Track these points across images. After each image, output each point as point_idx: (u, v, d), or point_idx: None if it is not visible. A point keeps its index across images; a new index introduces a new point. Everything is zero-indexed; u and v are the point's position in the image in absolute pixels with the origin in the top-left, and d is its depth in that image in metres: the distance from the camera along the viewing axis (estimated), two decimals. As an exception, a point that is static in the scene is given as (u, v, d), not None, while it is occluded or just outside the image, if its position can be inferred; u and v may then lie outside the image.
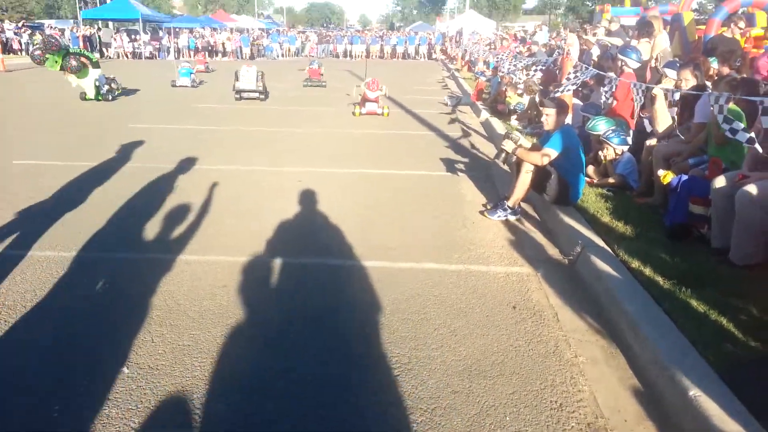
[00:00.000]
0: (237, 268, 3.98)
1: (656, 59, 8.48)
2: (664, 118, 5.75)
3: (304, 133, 9.32)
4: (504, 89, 11.21)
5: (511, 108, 10.42)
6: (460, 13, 47.69)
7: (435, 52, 37.19)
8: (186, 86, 16.43)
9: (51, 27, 36.82)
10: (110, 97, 13.14)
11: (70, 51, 12.77)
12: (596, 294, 3.63)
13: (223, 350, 2.98)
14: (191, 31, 38.33)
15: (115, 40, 34.02)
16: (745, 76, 6.49)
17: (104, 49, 33.39)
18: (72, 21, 46.58)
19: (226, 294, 3.61)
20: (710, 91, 5.12)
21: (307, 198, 5.66)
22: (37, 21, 50.82)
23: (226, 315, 3.34)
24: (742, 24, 8.95)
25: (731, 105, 4.10)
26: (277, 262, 4.09)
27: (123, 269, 3.94)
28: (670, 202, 4.50)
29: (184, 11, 73.72)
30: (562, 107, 5.09)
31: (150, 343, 3.02)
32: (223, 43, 36.06)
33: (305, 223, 5.02)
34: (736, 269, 3.75)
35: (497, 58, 14.12)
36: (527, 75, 9.92)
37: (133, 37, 34.44)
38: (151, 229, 4.73)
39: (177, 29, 37.61)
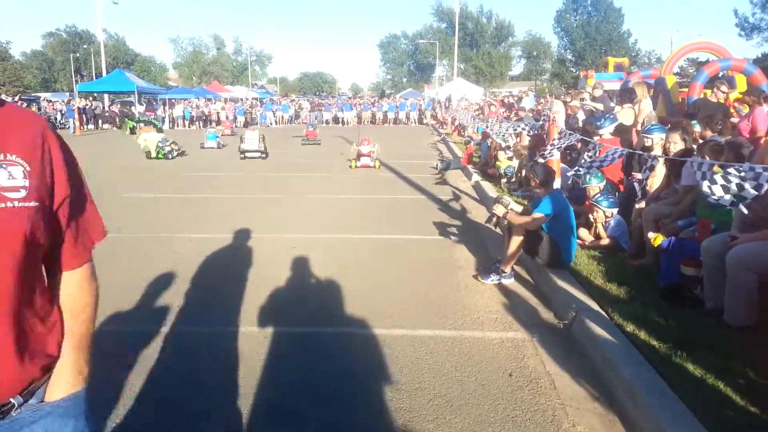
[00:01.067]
0: (231, 337, 3.93)
1: (642, 123, 8.73)
2: (658, 181, 5.86)
3: (299, 198, 9.41)
4: (494, 153, 11.44)
5: (501, 172, 10.59)
6: (448, 80, 49.26)
7: (425, 117, 38.09)
8: (213, 148, 18.98)
9: (46, 100, 37.63)
10: (170, 156, 15.73)
11: (141, 119, 15.48)
12: (593, 359, 3.59)
13: (221, 417, 2.90)
14: (186, 101, 39.27)
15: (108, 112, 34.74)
16: (729, 138, 6.69)
17: (99, 121, 34.03)
18: (68, 94, 47.69)
19: (221, 364, 3.54)
20: (695, 155, 5.28)
21: (301, 265, 5.66)
22: (33, 94, 51.99)
23: (222, 385, 3.27)
24: (725, 88, 9.27)
25: (716, 168, 4.20)
26: (270, 332, 4.04)
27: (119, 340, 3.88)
28: (661, 264, 4.53)
29: (179, 83, 75.78)
30: (548, 173, 5.19)
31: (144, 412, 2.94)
32: (218, 113, 36.87)
33: (299, 292, 5.00)
34: (731, 331, 3.73)
35: (486, 123, 14.47)
36: (516, 139, 10.15)
37: (128, 108, 35.17)
38: (144, 299, 4.69)
39: (172, 100, 38.58)
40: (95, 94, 37.10)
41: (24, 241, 1.14)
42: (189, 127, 35.20)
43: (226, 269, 5.59)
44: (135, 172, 13.09)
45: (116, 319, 4.28)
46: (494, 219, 5.32)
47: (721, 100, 9.21)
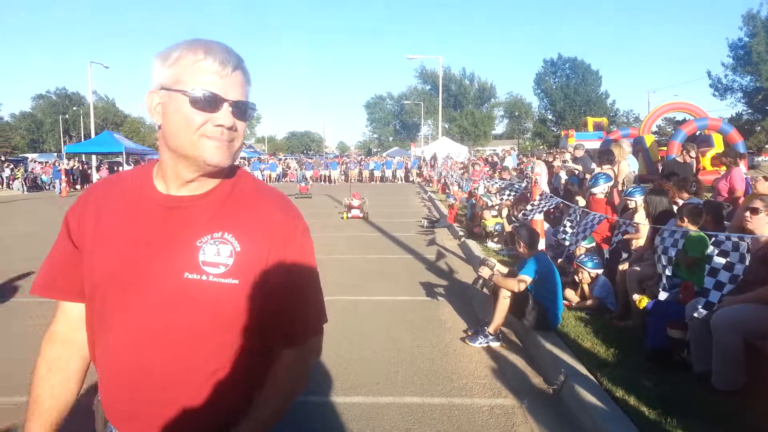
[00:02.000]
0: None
1: (622, 183, 8.92)
2: (642, 242, 5.94)
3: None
4: (479, 212, 11.57)
5: (488, 230, 10.68)
6: (433, 139, 50.21)
7: (412, 175, 38.59)
8: None
9: (34, 161, 37.74)
10: None
11: None
12: (583, 427, 3.54)
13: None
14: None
15: (99, 172, 34.87)
16: (707, 199, 6.85)
17: (85, 184, 34.07)
18: (56, 155, 47.84)
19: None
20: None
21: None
22: (21, 155, 52.13)
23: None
24: (693, 153, 9.57)
25: (695, 233, 4.28)
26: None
27: None
28: (648, 327, 4.53)
29: (168, 143, 76.36)
30: (532, 234, 5.25)
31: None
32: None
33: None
34: (719, 395, 3.71)
35: (469, 181, 14.70)
36: (501, 199, 10.29)
37: (115, 169, 35.32)
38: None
39: (160, 160, 38.78)
40: (83, 156, 37.25)
41: (212, 311, 1.23)
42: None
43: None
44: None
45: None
46: (480, 281, 5.33)
47: (691, 160, 9.49)
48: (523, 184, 8.70)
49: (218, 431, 1.27)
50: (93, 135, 38.93)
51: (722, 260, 3.62)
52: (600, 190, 7.03)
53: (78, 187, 33.17)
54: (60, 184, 28.16)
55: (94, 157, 36.97)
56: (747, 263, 3.52)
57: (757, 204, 3.91)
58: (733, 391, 3.73)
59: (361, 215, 14.98)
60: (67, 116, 74.91)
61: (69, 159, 35.17)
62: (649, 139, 24.60)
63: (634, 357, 4.39)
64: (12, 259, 9.14)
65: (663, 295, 4.25)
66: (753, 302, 3.79)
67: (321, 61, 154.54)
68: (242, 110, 1.23)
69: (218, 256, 1.23)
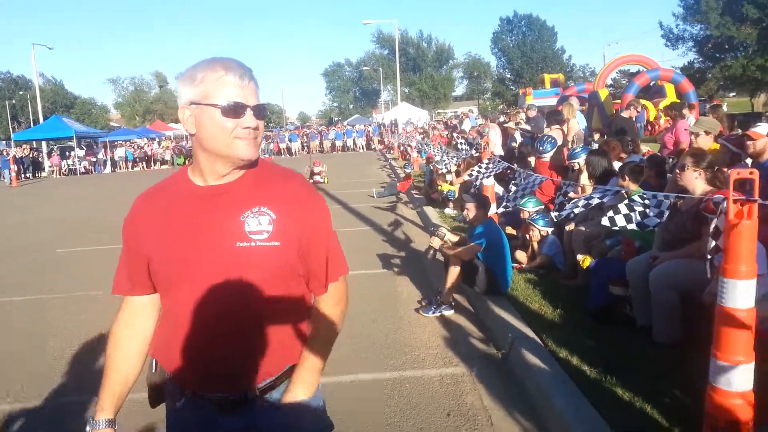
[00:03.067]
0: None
1: (572, 142, 9.02)
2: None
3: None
4: (436, 178, 11.60)
5: (444, 196, 10.74)
6: (394, 105, 49.90)
7: (373, 142, 38.43)
8: None
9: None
10: None
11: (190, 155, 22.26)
12: (528, 390, 3.63)
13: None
14: (129, 142, 38.48)
15: (50, 159, 33.73)
16: (650, 154, 6.98)
17: (37, 172, 33.00)
18: (3, 143, 46.11)
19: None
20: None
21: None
22: (-32, 144, 50.01)
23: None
24: (640, 108, 9.72)
25: (633, 188, 4.35)
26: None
27: None
28: (591, 285, 4.64)
29: (121, 123, 74.33)
30: (481, 201, 5.29)
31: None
32: (163, 152, 36.25)
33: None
34: (659, 349, 3.83)
35: (429, 147, 14.69)
36: (454, 165, 10.33)
37: (67, 154, 34.21)
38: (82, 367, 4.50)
39: (114, 142, 37.73)
40: (33, 142, 35.93)
41: (264, 269, 1.52)
42: (132, 168, 34.45)
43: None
44: (71, 224, 12.65)
45: (61, 391, 4.09)
46: (431, 251, 5.36)
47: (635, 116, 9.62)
48: (472, 151, 8.72)
49: (282, 366, 1.61)
50: (41, 120, 37.53)
51: (639, 209, 3.67)
52: (549, 155, 7.09)
53: (29, 175, 32.10)
54: (9, 174, 27.14)
55: (44, 143, 35.72)
56: (662, 219, 3.58)
57: (686, 160, 3.99)
58: (673, 344, 3.86)
59: (322, 181, 16.77)
60: (14, 101, 71.90)
61: (18, 147, 33.94)
62: (604, 93, 24.87)
63: (580, 316, 4.50)
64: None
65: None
66: (686, 257, 3.89)
67: (276, 29, 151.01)
68: (261, 112, 1.51)
69: (260, 225, 1.52)
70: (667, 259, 4.00)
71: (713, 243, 2.50)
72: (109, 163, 34.10)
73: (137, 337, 1.68)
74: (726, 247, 2.34)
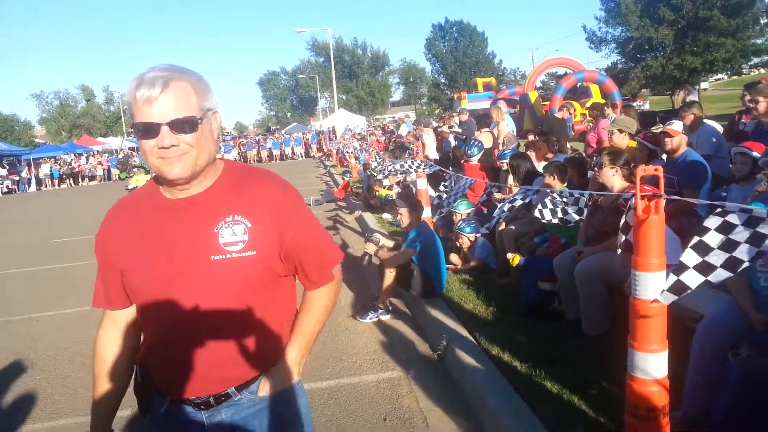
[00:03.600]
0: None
1: (502, 144, 9.24)
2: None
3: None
4: (373, 183, 11.63)
5: (382, 201, 10.77)
6: (332, 112, 49.79)
7: (312, 150, 38.16)
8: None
9: None
10: None
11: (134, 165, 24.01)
12: (463, 389, 3.66)
13: None
14: (54, 159, 36.75)
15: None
16: (571, 155, 7.23)
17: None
18: None
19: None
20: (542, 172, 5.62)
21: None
22: None
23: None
24: (572, 110, 10.07)
25: (559, 186, 4.48)
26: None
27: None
28: (521, 282, 4.75)
29: (47, 139, 70.94)
30: (414, 205, 5.32)
31: None
32: (94, 167, 34.78)
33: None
34: (588, 341, 3.96)
35: (366, 152, 14.72)
36: (389, 171, 10.37)
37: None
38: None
39: (38, 160, 35.95)
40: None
41: (240, 279, 1.49)
42: (59, 186, 32.91)
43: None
44: (-8, 246, 11.93)
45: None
46: (366, 257, 5.35)
47: (567, 117, 9.97)
48: (406, 155, 8.80)
49: (265, 367, 1.59)
50: (-44, 138, 35.33)
51: (560, 207, 3.81)
52: (476, 159, 7.24)
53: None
54: None
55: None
56: (582, 216, 3.72)
57: (603, 159, 4.15)
58: (600, 336, 3.98)
59: None
60: (-75, 119, 67.39)
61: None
62: (533, 95, 25.72)
63: (511, 313, 4.60)
64: None
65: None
66: (608, 251, 4.04)
67: (209, 37, 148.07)
68: (181, 125, 1.39)
69: (235, 235, 1.48)
70: (591, 254, 4.14)
71: (623, 237, 2.60)
72: (33, 181, 32.45)
73: (122, 353, 1.67)
74: (636, 241, 2.43)
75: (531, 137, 10.48)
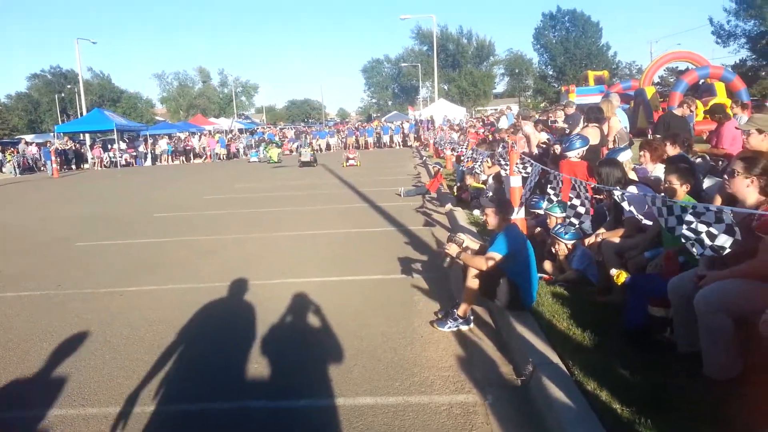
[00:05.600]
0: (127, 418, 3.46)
1: (613, 141, 8.38)
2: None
3: (256, 239, 8.96)
4: (466, 176, 11.09)
5: (474, 195, 10.21)
6: (432, 101, 49.22)
7: (409, 139, 37.91)
8: (255, 162, 29.64)
9: (30, 143, 37.20)
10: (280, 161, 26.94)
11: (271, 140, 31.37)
12: (548, 428, 3.13)
13: None
14: (170, 136, 39.00)
15: (93, 151, 34.36)
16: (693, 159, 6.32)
17: (80, 164, 33.63)
18: (52, 134, 47.41)
19: None
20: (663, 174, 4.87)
21: (234, 319, 5.19)
22: (18, 136, 51.63)
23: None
24: (693, 107, 8.96)
25: (685, 197, 3.79)
26: (165, 411, 3.57)
27: None
28: (628, 304, 4.09)
29: (166, 117, 75.77)
30: (501, 205, 4.78)
31: None
32: (203, 147, 36.56)
33: (219, 357, 4.49)
34: (709, 384, 3.27)
35: (459, 147, 14.17)
36: (480, 163, 9.81)
37: (109, 146, 34.81)
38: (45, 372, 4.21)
39: (155, 136, 38.32)
40: (81, 135, 36.70)
41: None
42: (172, 162, 34.82)
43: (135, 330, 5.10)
44: (95, 219, 12.60)
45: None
46: (447, 259, 4.89)
47: (688, 114, 8.89)
48: (500, 151, 8.17)
49: None
50: (84, 113, 38.38)
51: (704, 228, 3.14)
52: (574, 153, 6.44)
53: (72, 167, 32.76)
54: (51, 166, 27.70)
55: (87, 135, 36.42)
56: (737, 237, 3.03)
57: (736, 166, 3.41)
58: (725, 380, 3.29)
59: (355, 164, 22.37)
60: (63, 95, 74.02)
61: (60, 138, 34.65)
62: (650, 91, 23.85)
63: (613, 339, 3.96)
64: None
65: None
66: (740, 277, 3.33)
67: (316, 26, 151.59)
68: None
69: None
70: (717, 279, 3.43)
71: None
72: (149, 156, 34.56)
73: None
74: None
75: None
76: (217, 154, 35.99)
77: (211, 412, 3.57)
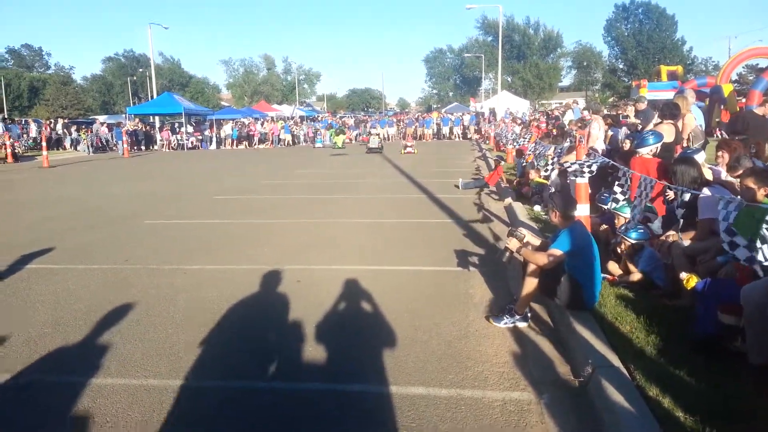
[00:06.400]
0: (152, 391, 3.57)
1: (687, 139, 8.00)
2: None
3: (313, 224, 9.08)
4: (527, 171, 10.85)
5: (535, 190, 9.99)
6: (494, 93, 48.42)
7: (469, 132, 37.49)
8: (320, 147, 30.96)
9: (103, 123, 38.99)
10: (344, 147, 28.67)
11: (338, 129, 32.73)
12: (605, 430, 3.03)
13: None
14: (234, 121, 40.02)
15: (161, 133, 35.70)
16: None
17: (150, 145, 35.00)
18: (124, 116, 49.57)
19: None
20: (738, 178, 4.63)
21: (296, 303, 5.26)
22: (92, 117, 54.21)
23: None
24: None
25: (745, 210, 3.57)
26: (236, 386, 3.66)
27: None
28: (697, 310, 3.91)
29: (231, 103, 77.82)
30: (566, 201, 4.64)
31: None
32: (268, 132, 37.27)
33: (274, 338, 4.55)
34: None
35: (521, 140, 13.89)
36: (546, 157, 9.56)
37: (177, 129, 36.04)
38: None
39: (221, 120, 39.41)
40: (150, 117, 38.23)
41: None
42: (236, 146, 35.73)
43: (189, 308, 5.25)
44: (162, 198, 13.08)
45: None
46: (507, 254, 4.79)
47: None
48: (566, 144, 7.93)
49: None
50: (155, 96, 39.85)
51: None
52: (647, 150, 6.12)
53: (142, 148, 34.16)
54: (122, 146, 28.95)
55: (157, 118, 37.84)
56: None
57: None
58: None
59: (413, 152, 24.02)
60: (135, 78, 77.20)
61: (131, 120, 36.09)
62: (728, 88, 22.68)
63: (679, 346, 3.79)
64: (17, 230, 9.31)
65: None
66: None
67: (380, 14, 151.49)
68: None
69: None
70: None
71: None
72: (215, 140, 35.58)
73: None
74: None
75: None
76: (281, 139, 36.62)
77: (265, 391, 3.63)
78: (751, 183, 4.06)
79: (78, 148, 32.94)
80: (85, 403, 3.48)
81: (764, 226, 2.96)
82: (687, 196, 4.25)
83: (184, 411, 3.41)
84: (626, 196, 5.32)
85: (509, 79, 64.30)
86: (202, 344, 4.37)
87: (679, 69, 36.99)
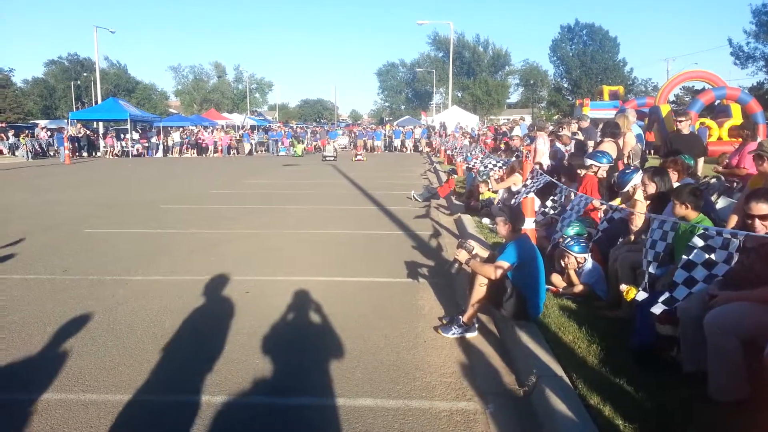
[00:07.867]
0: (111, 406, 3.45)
1: (627, 156, 8.31)
2: (639, 222, 5.37)
3: (263, 235, 8.96)
4: (477, 184, 11.05)
5: (484, 204, 10.18)
6: (445, 108, 49.19)
7: (421, 145, 37.90)
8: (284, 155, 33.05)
9: (43, 128, 37.40)
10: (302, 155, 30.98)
11: (299, 138, 35.07)
12: (549, 441, 3.10)
13: None
14: (182, 129, 39.14)
15: (105, 139, 34.56)
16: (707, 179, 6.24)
17: (93, 151, 33.84)
18: (66, 121, 47.77)
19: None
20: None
21: (242, 316, 5.18)
22: (32, 121, 51.99)
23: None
24: (685, 122, 8.66)
25: (683, 226, 3.75)
26: (174, 401, 3.56)
27: (5, 416, 3.39)
28: (636, 321, 4.05)
29: (180, 110, 76.13)
30: (514, 215, 4.75)
31: None
32: (215, 142, 36.62)
33: (219, 350, 4.47)
34: (714, 407, 3.22)
35: (471, 154, 14.14)
36: (490, 171, 9.77)
37: (122, 136, 34.98)
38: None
39: (168, 128, 38.48)
40: (94, 123, 36.94)
41: None
42: (183, 154, 34.93)
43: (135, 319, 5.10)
44: (104, 206, 12.65)
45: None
46: (456, 265, 4.86)
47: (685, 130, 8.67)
48: (512, 160, 8.13)
49: None
50: (99, 101, 38.62)
51: (705, 256, 3.10)
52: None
53: (84, 154, 32.97)
54: (63, 152, 27.87)
55: (101, 124, 36.63)
56: (732, 264, 3.00)
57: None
58: (731, 403, 3.25)
59: (363, 159, 27.00)
60: (78, 82, 74.56)
61: (74, 125, 34.83)
62: (665, 109, 23.70)
63: (619, 355, 3.92)
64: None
65: (642, 296, 3.78)
66: (753, 301, 3.28)
67: (332, 26, 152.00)
68: None
69: None
70: (729, 301, 3.40)
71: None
72: (161, 147, 34.68)
73: None
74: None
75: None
76: (234, 148, 36.11)
77: (209, 405, 3.54)
78: (684, 207, 4.27)
79: (16, 153, 31.51)
80: (16, 421, 3.31)
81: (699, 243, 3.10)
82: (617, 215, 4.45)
83: (121, 426, 3.29)
84: (557, 211, 5.48)
85: (459, 95, 65.48)
86: (144, 358, 4.23)
87: (621, 89, 38.50)
